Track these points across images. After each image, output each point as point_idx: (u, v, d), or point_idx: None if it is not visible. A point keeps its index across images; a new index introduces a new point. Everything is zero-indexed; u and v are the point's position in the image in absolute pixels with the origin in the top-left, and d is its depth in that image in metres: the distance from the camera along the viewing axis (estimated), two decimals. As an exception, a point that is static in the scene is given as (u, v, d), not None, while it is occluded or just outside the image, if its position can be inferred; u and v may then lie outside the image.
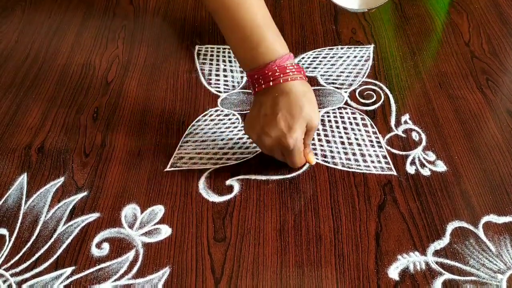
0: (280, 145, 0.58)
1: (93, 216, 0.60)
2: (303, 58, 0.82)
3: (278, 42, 0.58)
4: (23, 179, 0.63)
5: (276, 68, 0.57)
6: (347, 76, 0.78)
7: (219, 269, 0.55)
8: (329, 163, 0.65)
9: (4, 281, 0.54)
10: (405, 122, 0.71)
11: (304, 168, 0.65)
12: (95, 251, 0.56)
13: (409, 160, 0.66)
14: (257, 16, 0.58)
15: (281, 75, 0.56)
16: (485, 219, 0.59)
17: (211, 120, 0.71)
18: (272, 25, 0.59)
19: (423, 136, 0.69)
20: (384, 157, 0.66)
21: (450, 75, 0.78)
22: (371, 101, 0.74)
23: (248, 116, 0.62)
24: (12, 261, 0.55)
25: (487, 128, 0.70)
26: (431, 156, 0.66)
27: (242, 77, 0.78)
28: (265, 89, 0.58)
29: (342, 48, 0.84)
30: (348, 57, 0.82)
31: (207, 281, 0.54)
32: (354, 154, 0.67)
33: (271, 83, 0.57)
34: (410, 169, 0.65)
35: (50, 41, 0.85)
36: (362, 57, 0.82)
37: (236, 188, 0.63)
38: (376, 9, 0.79)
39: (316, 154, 0.66)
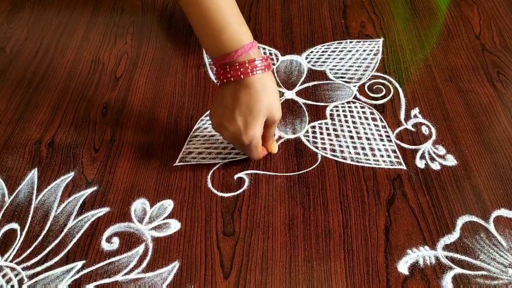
0: (236, 140, 0.59)
1: (103, 210, 0.60)
2: (311, 52, 0.81)
3: (240, 32, 0.56)
4: (33, 174, 0.64)
5: (237, 62, 0.56)
6: (356, 70, 0.78)
7: (228, 263, 0.55)
8: (338, 157, 0.65)
9: (16, 275, 0.54)
10: (415, 116, 0.70)
11: (314, 165, 0.65)
12: (105, 245, 0.57)
13: (418, 154, 0.65)
14: (220, 2, 0.56)
15: (241, 69, 0.55)
16: (496, 213, 0.59)
17: (220, 115, 0.71)
18: (237, 13, 0.57)
19: (433, 130, 0.68)
20: (394, 151, 0.66)
21: (461, 68, 0.78)
22: (380, 95, 0.74)
23: (212, 103, 0.61)
24: (23, 255, 0.56)
25: (498, 121, 0.69)
26: (441, 150, 0.66)
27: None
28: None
29: (351, 42, 0.83)
30: (357, 51, 0.81)
31: (216, 275, 0.54)
32: (363, 148, 0.66)
33: (232, 79, 0.56)
34: (420, 163, 0.64)
35: (59, 37, 0.85)
36: (371, 51, 0.81)
37: (245, 182, 0.63)
38: None
39: (325, 149, 0.66)
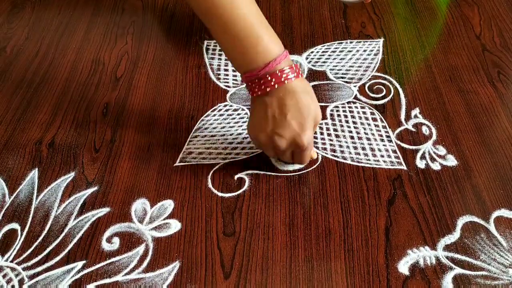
0: (294, 145, 0.57)
1: (104, 210, 0.60)
2: (312, 52, 0.81)
3: (274, 41, 0.56)
4: (34, 174, 0.64)
5: (277, 70, 0.55)
6: (356, 70, 0.78)
7: (228, 263, 0.55)
8: (338, 157, 0.65)
9: (16, 275, 0.54)
10: (415, 116, 0.70)
11: (315, 165, 0.65)
12: (106, 246, 0.57)
13: (419, 154, 0.65)
14: (250, 14, 0.55)
15: (283, 76, 0.55)
16: (496, 213, 0.59)
17: (220, 115, 0.71)
18: (265, 22, 0.57)
19: (434, 130, 0.68)
20: (394, 151, 0.66)
21: (461, 69, 0.78)
22: (380, 95, 0.74)
23: (253, 118, 0.59)
24: (24, 255, 0.56)
25: (498, 122, 0.69)
26: (442, 151, 0.66)
27: (251, 72, 0.78)
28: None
29: (351, 42, 0.83)
30: (358, 51, 0.81)
31: (216, 275, 0.54)
32: (363, 148, 0.66)
33: (276, 86, 0.55)
34: (420, 164, 0.64)
35: (60, 38, 0.85)
36: (372, 51, 0.81)
37: (245, 182, 0.63)
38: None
39: (325, 149, 0.66)
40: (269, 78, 0.55)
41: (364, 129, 0.69)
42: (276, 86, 0.55)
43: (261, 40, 0.55)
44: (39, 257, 0.56)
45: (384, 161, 0.65)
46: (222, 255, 0.56)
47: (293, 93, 0.55)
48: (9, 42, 0.85)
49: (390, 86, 0.75)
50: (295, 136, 0.56)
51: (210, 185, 0.63)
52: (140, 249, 0.56)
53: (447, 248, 0.56)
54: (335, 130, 0.69)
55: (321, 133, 0.68)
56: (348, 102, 0.73)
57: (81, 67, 0.80)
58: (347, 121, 0.70)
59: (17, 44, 0.84)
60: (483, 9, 0.89)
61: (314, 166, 0.64)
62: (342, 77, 0.77)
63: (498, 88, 0.74)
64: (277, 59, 0.55)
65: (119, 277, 0.54)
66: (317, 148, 0.66)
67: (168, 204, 0.61)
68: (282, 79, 0.55)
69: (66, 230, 0.58)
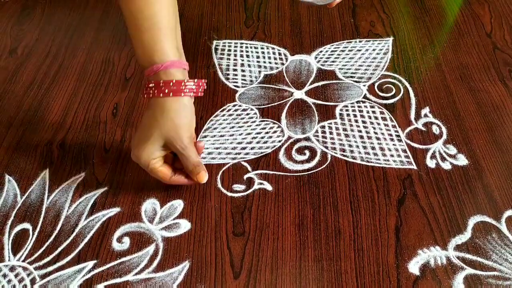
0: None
1: (114, 210, 0.60)
2: (321, 51, 0.81)
3: (171, 47, 0.55)
4: (45, 174, 0.64)
5: (152, 80, 0.55)
6: (365, 69, 0.78)
7: (238, 263, 0.55)
8: (347, 157, 0.65)
9: (28, 274, 0.55)
10: (425, 115, 0.70)
11: (324, 165, 0.64)
12: (116, 245, 0.57)
13: (429, 154, 0.65)
14: (161, 14, 0.55)
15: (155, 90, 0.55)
16: (508, 213, 0.58)
17: (229, 115, 0.71)
18: (172, 28, 0.56)
19: (444, 130, 0.68)
20: (404, 151, 0.65)
21: (472, 67, 0.77)
22: (390, 94, 0.73)
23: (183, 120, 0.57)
24: (35, 255, 0.56)
25: (509, 120, 0.69)
26: (452, 150, 0.65)
27: (259, 72, 0.78)
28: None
29: (360, 41, 0.83)
30: (367, 50, 0.81)
31: (226, 275, 0.54)
32: (373, 148, 0.66)
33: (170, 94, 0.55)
34: (431, 163, 0.64)
35: (70, 39, 0.86)
36: (381, 50, 0.81)
37: (255, 182, 0.63)
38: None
39: (334, 149, 0.66)
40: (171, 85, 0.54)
41: (374, 128, 0.69)
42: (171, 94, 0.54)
43: (159, 40, 0.55)
44: (51, 256, 0.56)
45: (394, 161, 0.64)
46: (232, 255, 0.56)
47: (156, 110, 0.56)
48: (20, 43, 0.85)
49: (400, 85, 0.75)
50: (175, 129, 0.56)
51: (219, 185, 0.63)
52: (150, 249, 0.57)
53: (458, 248, 0.55)
54: (344, 129, 0.69)
55: (331, 133, 0.68)
56: (357, 102, 0.72)
57: (91, 68, 0.80)
58: (356, 121, 0.70)
59: (27, 45, 0.85)
60: (494, 7, 0.89)
61: (324, 166, 0.64)
62: (351, 76, 0.76)
63: (509, 86, 0.73)
64: (154, 67, 0.54)
65: (129, 277, 0.54)
66: (327, 147, 0.66)
67: (178, 204, 0.61)
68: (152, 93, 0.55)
69: (77, 230, 0.59)
